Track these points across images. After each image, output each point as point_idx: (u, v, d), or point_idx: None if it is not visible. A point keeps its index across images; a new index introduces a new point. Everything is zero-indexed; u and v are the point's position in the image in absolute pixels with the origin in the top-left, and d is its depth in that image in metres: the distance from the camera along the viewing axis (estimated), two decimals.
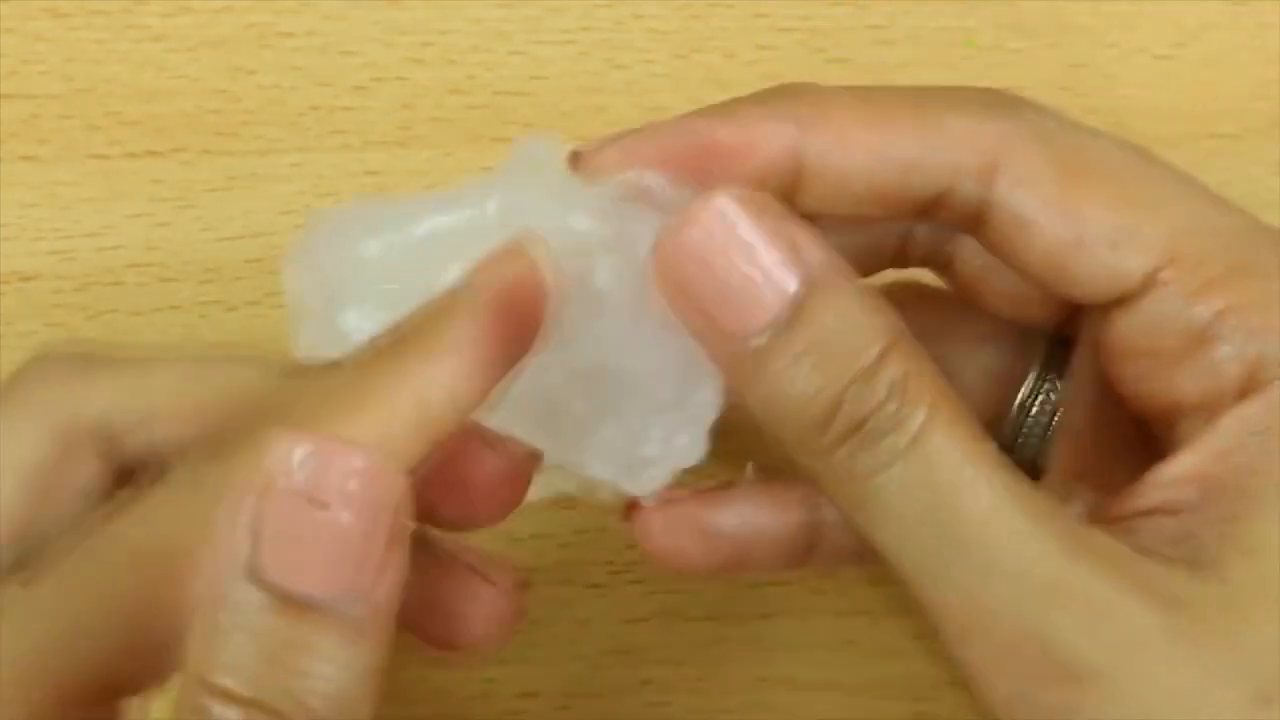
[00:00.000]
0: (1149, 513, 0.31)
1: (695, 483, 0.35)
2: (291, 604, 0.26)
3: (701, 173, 0.33)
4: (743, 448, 0.34)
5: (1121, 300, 0.32)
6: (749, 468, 0.36)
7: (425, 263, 0.32)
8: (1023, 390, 0.37)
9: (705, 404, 0.33)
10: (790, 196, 0.33)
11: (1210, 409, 0.32)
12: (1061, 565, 0.29)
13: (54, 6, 0.45)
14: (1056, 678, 0.29)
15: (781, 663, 0.43)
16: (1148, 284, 0.32)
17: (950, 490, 0.29)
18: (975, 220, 0.33)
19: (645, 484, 0.34)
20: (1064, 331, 0.36)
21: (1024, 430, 0.37)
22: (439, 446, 0.30)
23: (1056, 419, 0.37)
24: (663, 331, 0.32)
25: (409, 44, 0.45)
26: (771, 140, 0.33)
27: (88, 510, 0.33)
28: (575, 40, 0.45)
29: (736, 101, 0.33)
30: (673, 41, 0.46)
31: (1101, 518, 0.32)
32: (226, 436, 0.29)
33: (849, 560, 0.36)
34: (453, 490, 0.33)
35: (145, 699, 0.30)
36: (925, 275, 0.38)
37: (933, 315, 0.37)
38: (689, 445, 0.33)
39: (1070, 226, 0.32)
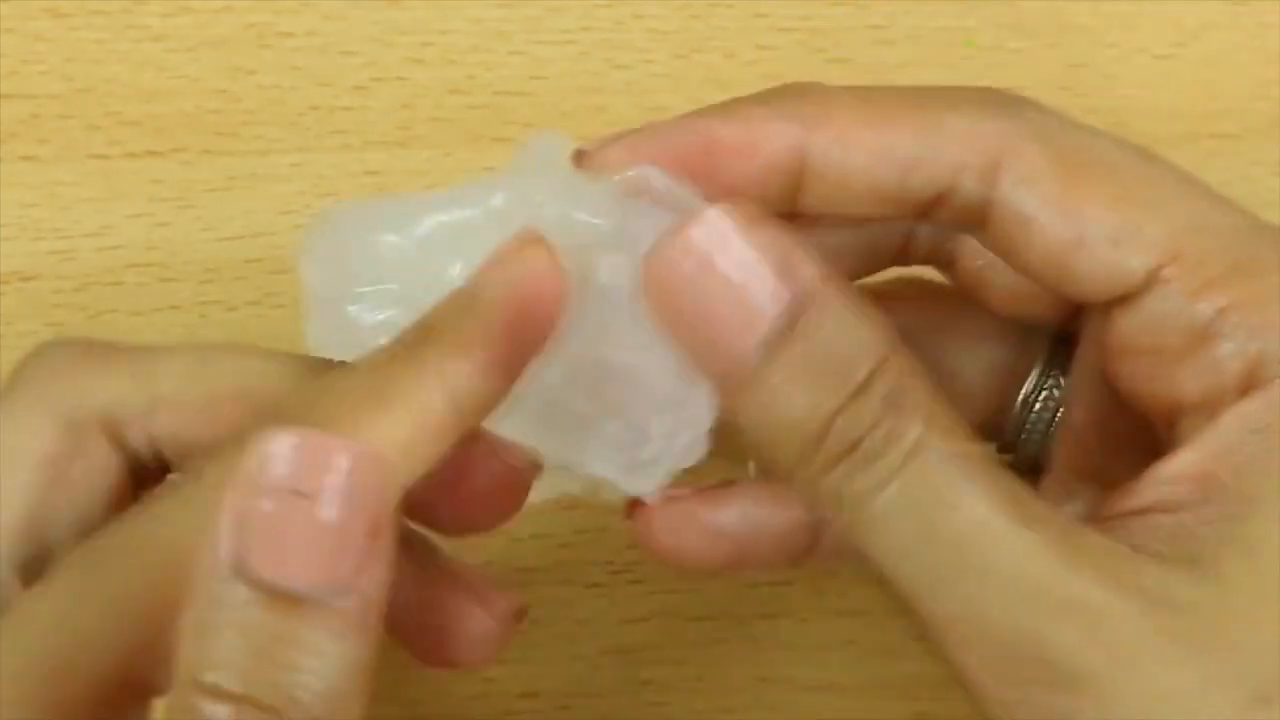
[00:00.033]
0: (1146, 511, 0.31)
1: (697, 481, 0.35)
2: (279, 598, 0.26)
3: (705, 171, 0.33)
4: (744, 446, 0.34)
5: (1123, 299, 0.32)
6: (750, 466, 0.36)
7: (436, 257, 0.33)
8: (1026, 386, 0.36)
9: (707, 403, 0.33)
10: (793, 196, 0.33)
11: (1211, 407, 0.31)
12: (1057, 572, 0.29)
13: (54, 6, 0.45)
14: (1054, 683, 0.29)
15: (781, 663, 0.43)
16: (1149, 282, 0.32)
17: (946, 506, 0.29)
18: (977, 219, 0.33)
19: (647, 483, 0.34)
20: (1067, 329, 0.36)
21: (1027, 427, 0.37)
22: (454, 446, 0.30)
23: (1059, 416, 0.37)
24: (652, 326, 0.32)
25: (409, 44, 0.45)
26: (774, 139, 0.33)
27: (102, 499, 0.34)
28: (575, 40, 0.45)
29: (740, 100, 0.33)
30: (673, 41, 0.46)
31: (1099, 516, 0.32)
32: (240, 437, 0.29)
33: (850, 557, 0.36)
34: (452, 494, 0.33)
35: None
36: (929, 272, 0.38)
37: (936, 310, 0.37)
38: (690, 444, 0.33)
39: (1071, 225, 0.32)
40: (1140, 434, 0.33)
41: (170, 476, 0.33)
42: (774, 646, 0.43)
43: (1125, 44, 0.46)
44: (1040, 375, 0.36)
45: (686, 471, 0.34)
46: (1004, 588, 0.29)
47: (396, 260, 0.33)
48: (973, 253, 0.35)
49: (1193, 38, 0.46)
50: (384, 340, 0.31)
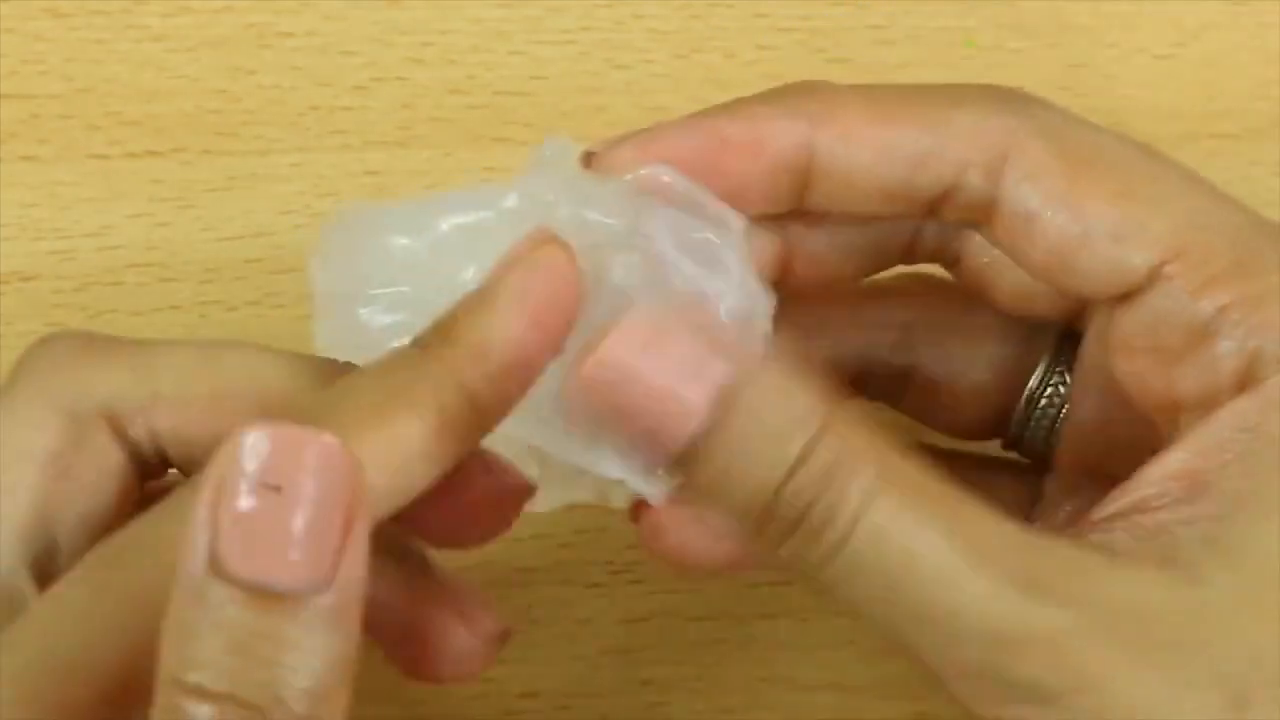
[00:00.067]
0: (1133, 511, 0.31)
1: None
2: (257, 595, 0.26)
3: (713, 170, 0.33)
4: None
5: (1126, 295, 0.32)
6: None
7: (448, 260, 0.33)
8: (1030, 383, 0.36)
9: None
10: (800, 194, 0.34)
11: (1207, 406, 0.32)
12: (1016, 608, 0.29)
13: (54, 6, 0.45)
14: (1025, 700, 0.30)
15: (781, 663, 0.43)
16: (1151, 279, 0.32)
17: (902, 560, 0.30)
18: (983, 216, 0.33)
19: (656, 484, 0.34)
20: (1073, 327, 0.36)
21: (1031, 424, 0.37)
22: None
23: (1064, 413, 0.36)
24: None
25: (409, 44, 0.45)
26: (781, 137, 0.33)
27: (108, 493, 0.34)
28: (575, 40, 0.45)
29: (746, 99, 0.34)
30: (673, 41, 0.46)
31: (1090, 520, 0.32)
32: None
33: None
34: (444, 507, 0.33)
35: None
36: (935, 270, 0.38)
37: (942, 307, 0.37)
38: None
39: (1075, 221, 0.32)
40: (1143, 433, 0.33)
41: (194, 477, 0.33)
42: (774, 646, 0.43)
43: (1125, 44, 0.46)
44: (1045, 372, 0.36)
45: None
46: (967, 632, 0.29)
47: (408, 262, 0.33)
48: (978, 250, 0.35)
49: (1193, 38, 0.46)
50: (395, 342, 0.31)
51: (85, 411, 0.33)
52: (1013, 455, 0.38)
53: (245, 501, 0.26)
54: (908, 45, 0.46)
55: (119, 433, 0.34)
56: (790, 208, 0.34)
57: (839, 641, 0.43)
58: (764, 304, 0.33)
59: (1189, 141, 0.45)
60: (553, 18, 0.45)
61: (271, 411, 0.33)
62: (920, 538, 0.29)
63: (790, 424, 0.30)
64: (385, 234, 0.33)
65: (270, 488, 0.26)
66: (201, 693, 0.26)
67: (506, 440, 0.32)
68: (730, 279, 0.33)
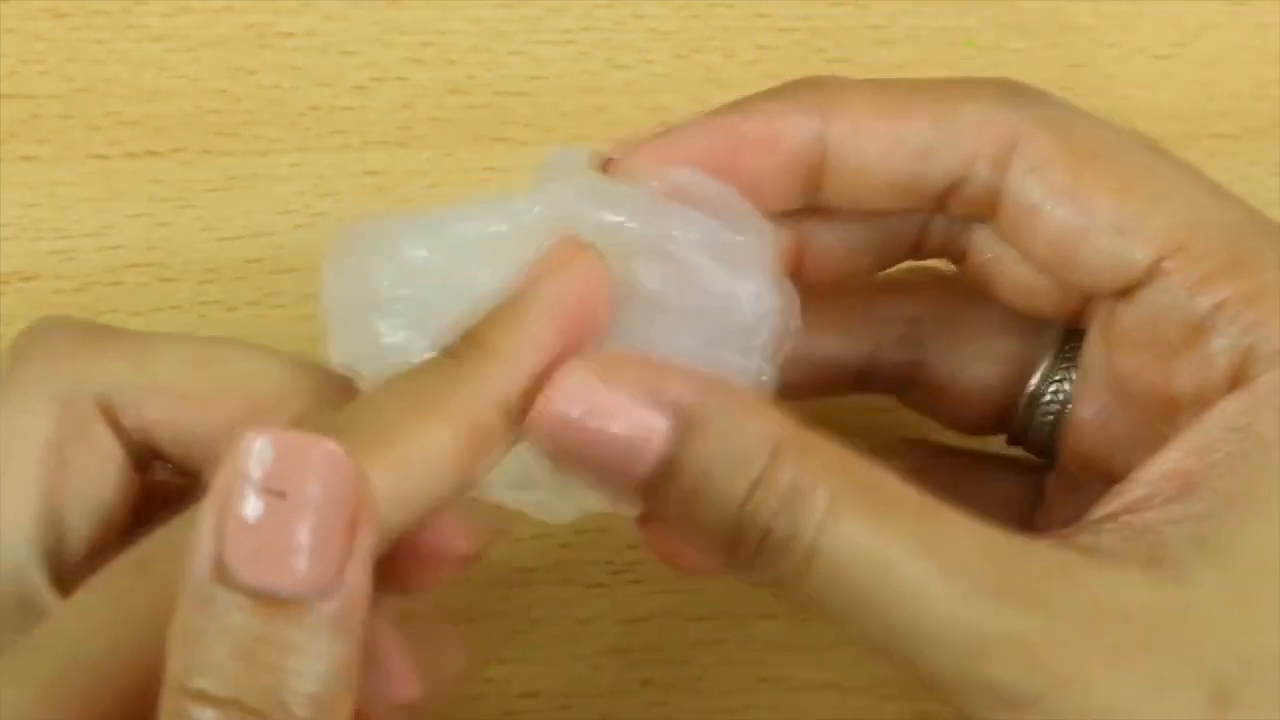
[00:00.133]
0: (1122, 512, 0.31)
1: None
2: (261, 600, 0.26)
3: (729, 168, 0.33)
4: None
5: (1126, 290, 0.33)
6: None
7: (464, 270, 0.32)
8: (1034, 378, 0.36)
9: None
10: (813, 190, 0.34)
11: (1203, 403, 0.32)
12: (989, 613, 0.29)
13: (54, 6, 0.45)
14: (1007, 704, 0.30)
15: (781, 663, 0.43)
16: (1151, 274, 0.32)
17: (871, 575, 0.30)
18: (989, 209, 0.33)
19: (633, 507, 0.34)
20: (1078, 324, 0.36)
21: (1035, 419, 0.37)
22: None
23: (1067, 409, 0.36)
24: (700, 330, 0.32)
25: (409, 44, 0.45)
26: (795, 132, 0.33)
27: (111, 483, 0.34)
28: (575, 40, 0.45)
29: (756, 97, 0.34)
30: (673, 41, 0.46)
31: (1081, 519, 0.32)
32: None
33: None
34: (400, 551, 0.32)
35: None
36: (943, 265, 0.38)
37: (949, 302, 0.37)
38: None
39: (1079, 213, 0.32)
40: (1144, 431, 0.33)
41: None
42: (774, 646, 0.43)
43: (1125, 44, 0.46)
44: (1050, 368, 0.36)
45: None
46: (942, 639, 0.29)
47: (423, 273, 0.32)
48: (984, 245, 0.35)
49: (1193, 38, 0.46)
50: (411, 354, 0.31)
51: (81, 401, 0.33)
52: (1019, 452, 0.38)
53: (250, 507, 0.26)
54: (908, 45, 0.46)
55: (113, 423, 0.34)
56: (803, 204, 0.34)
57: (839, 641, 0.43)
58: (796, 302, 0.33)
59: (1189, 141, 0.45)
60: (553, 18, 0.45)
61: (266, 411, 0.33)
62: (889, 549, 0.29)
63: (749, 444, 0.30)
64: (401, 245, 0.33)
65: (275, 493, 0.26)
66: (206, 698, 0.26)
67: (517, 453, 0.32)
68: (763, 279, 0.33)
